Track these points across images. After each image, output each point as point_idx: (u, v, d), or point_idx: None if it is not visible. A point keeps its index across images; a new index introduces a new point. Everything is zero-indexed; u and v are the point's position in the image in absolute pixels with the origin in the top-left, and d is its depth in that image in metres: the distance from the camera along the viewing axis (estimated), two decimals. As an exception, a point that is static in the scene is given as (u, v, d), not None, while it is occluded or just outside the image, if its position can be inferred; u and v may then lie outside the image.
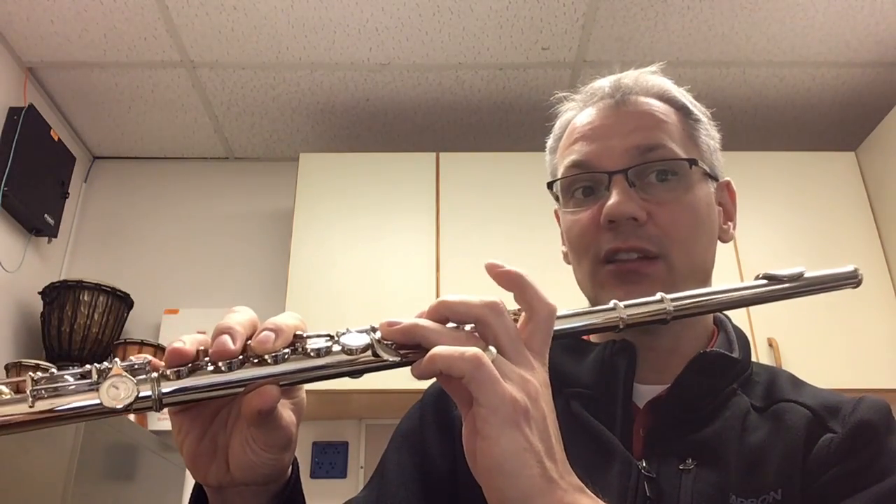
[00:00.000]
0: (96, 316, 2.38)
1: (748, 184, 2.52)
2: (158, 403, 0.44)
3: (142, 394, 0.43)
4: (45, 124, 2.55)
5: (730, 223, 0.79)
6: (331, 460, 2.48)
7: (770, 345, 2.25)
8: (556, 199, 0.79)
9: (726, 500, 0.61)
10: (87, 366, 0.45)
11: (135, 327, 2.58)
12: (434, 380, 0.80)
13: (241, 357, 0.46)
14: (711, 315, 0.76)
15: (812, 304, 2.28)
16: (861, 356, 2.25)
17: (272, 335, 0.46)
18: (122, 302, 2.47)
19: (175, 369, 0.45)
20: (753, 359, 0.76)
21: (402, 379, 0.85)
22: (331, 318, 2.30)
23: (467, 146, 2.88)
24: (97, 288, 2.40)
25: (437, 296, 2.33)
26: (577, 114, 0.79)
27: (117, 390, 0.43)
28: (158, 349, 2.36)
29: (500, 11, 2.30)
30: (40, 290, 2.42)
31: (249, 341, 0.47)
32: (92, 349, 2.37)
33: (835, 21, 2.34)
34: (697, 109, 0.78)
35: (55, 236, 2.62)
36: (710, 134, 0.78)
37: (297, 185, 2.54)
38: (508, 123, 2.78)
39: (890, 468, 0.60)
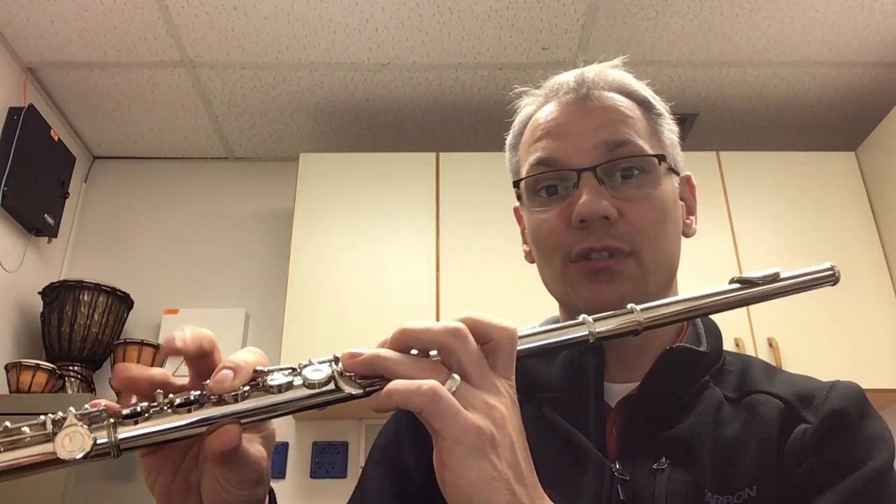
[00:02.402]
0: (96, 316, 2.38)
1: (748, 184, 2.52)
2: (116, 449, 0.43)
3: (99, 441, 0.43)
4: (45, 124, 2.55)
5: (692, 217, 0.77)
6: (331, 460, 2.48)
7: (770, 345, 2.25)
8: (519, 197, 0.77)
9: (702, 498, 0.61)
10: (42, 416, 0.44)
11: (135, 327, 2.58)
12: None
13: (199, 395, 0.45)
14: None
15: (812, 304, 2.30)
16: (861, 356, 2.25)
17: (230, 374, 0.45)
18: (122, 302, 2.47)
19: (132, 415, 0.44)
20: (753, 355, 0.75)
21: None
22: (331, 318, 2.30)
23: (467, 146, 2.87)
24: (97, 288, 2.40)
25: (438, 296, 2.35)
26: (538, 109, 0.78)
27: (72, 441, 0.42)
28: (158, 349, 2.36)
29: (500, 11, 2.30)
30: (40, 290, 2.42)
31: (208, 381, 0.46)
32: (92, 349, 2.37)
33: (835, 21, 2.34)
34: (658, 104, 0.77)
35: (55, 236, 2.62)
36: (671, 128, 0.77)
37: (297, 185, 2.54)
38: (508, 123, 2.77)
39: (864, 457, 0.60)
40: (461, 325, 0.46)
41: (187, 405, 0.45)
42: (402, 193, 2.53)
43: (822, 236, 2.45)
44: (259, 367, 0.47)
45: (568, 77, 0.77)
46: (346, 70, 2.53)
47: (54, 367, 2.23)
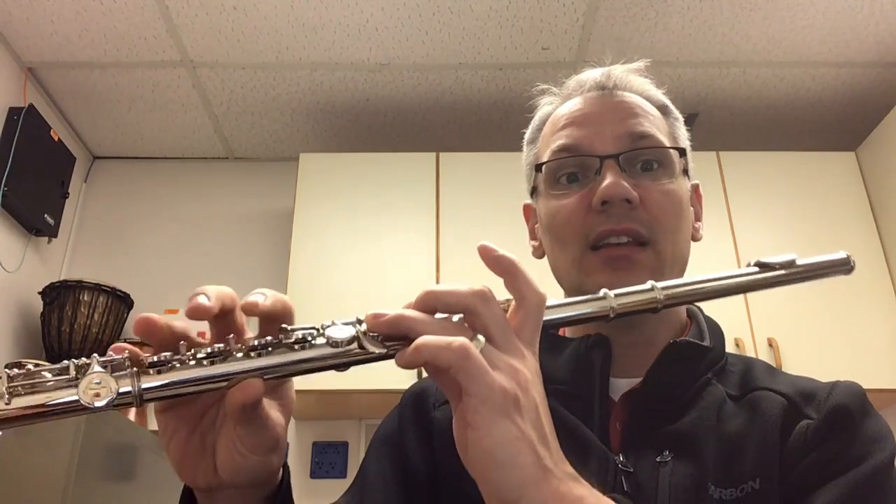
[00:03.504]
0: (96, 316, 2.38)
1: (748, 184, 2.52)
2: (139, 399, 0.43)
3: (121, 389, 0.42)
4: (45, 124, 2.55)
5: (699, 223, 0.79)
6: (331, 460, 2.48)
7: (770, 345, 2.25)
8: (533, 191, 0.78)
9: (705, 490, 0.61)
10: (66, 361, 0.43)
11: (135, 327, 2.58)
12: (412, 382, 0.79)
13: (222, 348, 0.45)
14: (684, 307, 0.76)
15: (812, 304, 2.29)
16: (861, 356, 2.25)
17: (262, 296, 0.46)
18: (122, 302, 2.47)
19: (156, 364, 0.44)
20: (753, 356, 0.76)
21: (402, 379, 0.85)
22: (331, 318, 2.30)
23: (467, 146, 2.87)
24: (97, 288, 2.40)
25: (437, 296, 2.35)
26: (560, 105, 0.79)
27: (96, 387, 0.42)
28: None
29: (500, 11, 2.30)
30: (40, 290, 2.42)
31: (231, 335, 0.46)
32: (92, 349, 2.37)
33: (835, 21, 2.34)
34: (675, 111, 0.80)
35: (55, 236, 2.62)
36: (685, 135, 0.79)
37: (297, 185, 2.54)
38: (508, 123, 2.78)
39: (865, 453, 0.60)
40: (487, 289, 0.46)
41: (210, 358, 0.44)
42: (402, 193, 2.53)
43: (822, 236, 2.45)
44: (283, 326, 0.47)
45: (594, 74, 0.78)
46: (346, 70, 2.53)
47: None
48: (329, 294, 2.35)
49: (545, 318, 0.49)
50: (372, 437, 0.77)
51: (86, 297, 2.38)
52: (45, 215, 2.53)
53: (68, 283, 2.38)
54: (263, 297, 0.47)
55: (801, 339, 2.27)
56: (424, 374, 0.50)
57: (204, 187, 2.94)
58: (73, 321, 2.35)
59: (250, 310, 0.47)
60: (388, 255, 2.43)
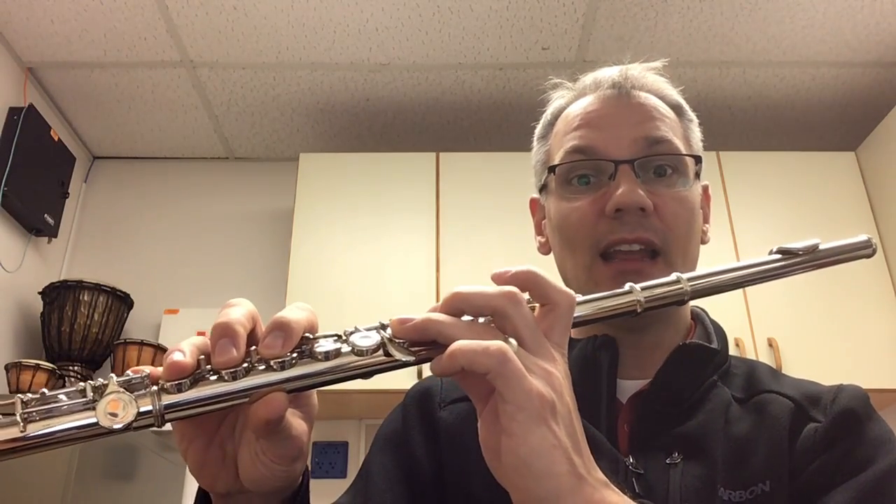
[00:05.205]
0: (96, 316, 2.38)
1: (748, 184, 2.52)
2: (160, 419, 0.42)
3: (142, 409, 0.41)
4: (45, 124, 2.55)
5: (706, 225, 0.78)
6: (331, 460, 2.48)
7: (770, 345, 2.25)
8: (542, 188, 0.77)
9: (715, 492, 0.61)
10: (82, 384, 0.42)
11: (135, 327, 2.58)
12: (413, 382, 0.78)
13: (245, 364, 0.43)
14: (689, 309, 0.76)
15: (812, 304, 2.29)
16: (861, 356, 2.25)
17: (280, 340, 0.44)
18: (122, 302, 2.47)
19: (176, 382, 0.42)
20: (753, 357, 0.76)
21: (403, 379, 0.85)
22: (331, 318, 2.29)
23: (467, 146, 2.87)
24: (97, 288, 2.40)
25: (438, 296, 2.35)
26: (572, 101, 0.77)
27: (116, 408, 0.41)
28: (158, 349, 2.36)
29: (500, 11, 2.30)
30: (40, 290, 2.42)
31: (253, 347, 0.44)
32: (92, 349, 2.37)
33: (835, 21, 2.34)
34: (690, 111, 0.79)
35: (55, 236, 2.62)
36: (699, 136, 0.79)
37: (297, 185, 2.54)
38: (508, 123, 2.78)
39: (873, 456, 0.61)
40: (516, 290, 0.45)
41: (232, 372, 0.43)
42: (402, 193, 2.53)
43: (821, 236, 2.43)
44: (306, 335, 0.45)
45: (611, 72, 0.76)
46: (346, 70, 2.53)
47: (54, 367, 2.23)
48: (329, 294, 2.35)
49: (575, 314, 0.48)
50: (375, 436, 0.76)
51: (86, 297, 2.38)
52: (45, 215, 2.53)
53: (68, 283, 2.38)
54: (283, 341, 0.44)
55: (801, 339, 2.27)
56: (427, 374, 0.49)
57: (204, 187, 2.94)
58: (73, 321, 2.35)
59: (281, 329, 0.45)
60: (388, 255, 2.43)
